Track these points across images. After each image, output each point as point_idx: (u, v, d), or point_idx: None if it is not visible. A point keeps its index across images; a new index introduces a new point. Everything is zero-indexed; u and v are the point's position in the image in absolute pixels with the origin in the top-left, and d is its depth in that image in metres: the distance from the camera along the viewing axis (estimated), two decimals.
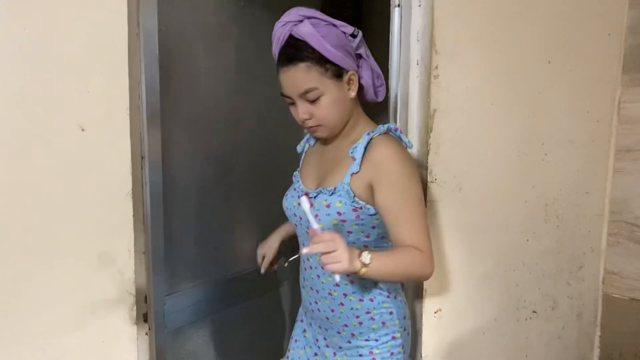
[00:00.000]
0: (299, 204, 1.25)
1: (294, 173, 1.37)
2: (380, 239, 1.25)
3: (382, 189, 1.17)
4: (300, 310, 1.45)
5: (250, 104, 1.64)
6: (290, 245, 1.58)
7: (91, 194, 1.18)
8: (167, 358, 1.48)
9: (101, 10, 1.15)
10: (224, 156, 1.59)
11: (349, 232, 1.22)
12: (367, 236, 1.24)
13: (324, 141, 1.35)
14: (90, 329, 1.22)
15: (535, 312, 1.76)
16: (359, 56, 1.23)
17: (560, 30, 1.68)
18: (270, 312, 1.83)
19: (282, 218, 1.60)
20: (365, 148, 1.21)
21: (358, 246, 1.24)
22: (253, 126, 1.65)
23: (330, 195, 1.22)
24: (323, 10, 1.22)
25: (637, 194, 1.79)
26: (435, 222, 1.52)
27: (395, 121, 1.56)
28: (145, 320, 1.34)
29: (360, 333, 1.28)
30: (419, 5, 1.50)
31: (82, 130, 1.16)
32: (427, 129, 1.51)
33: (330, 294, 1.29)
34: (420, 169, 1.48)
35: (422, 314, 1.57)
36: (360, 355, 1.28)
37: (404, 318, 1.32)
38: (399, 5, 1.55)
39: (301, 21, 1.17)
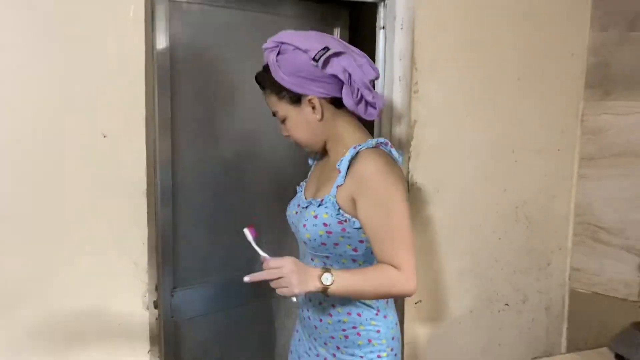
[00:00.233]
0: (296, 213, 1.29)
1: (300, 183, 1.39)
2: (370, 253, 1.22)
3: (363, 203, 1.15)
4: (297, 320, 1.43)
5: (265, 115, 1.70)
6: None
7: (111, 193, 1.33)
8: (175, 344, 1.60)
9: (123, 35, 1.31)
10: (237, 164, 1.65)
11: (336, 244, 1.20)
12: (355, 250, 1.21)
13: (323, 155, 1.35)
14: (109, 312, 1.37)
15: (507, 304, 1.91)
16: (336, 77, 1.16)
17: (529, 50, 1.82)
18: (278, 315, 1.84)
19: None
20: (351, 161, 1.18)
21: (330, 265, 1.21)
22: (268, 136, 1.69)
23: (318, 206, 1.21)
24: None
25: (599, 198, 1.91)
26: (416, 221, 1.66)
27: (380, 131, 1.73)
28: (156, 307, 1.49)
29: (346, 347, 1.25)
30: (401, 28, 1.67)
31: (104, 136, 1.32)
32: (408, 138, 1.67)
33: (320, 303, 1.27)
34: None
35: (404, 305, 1.72)
36: None
37: (392, 339, 1.27)
38: (383, 28, 1.72)
39: (275, 47, 1.18)
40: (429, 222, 1.74)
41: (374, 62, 1.66)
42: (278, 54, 1.17)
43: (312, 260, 1.27)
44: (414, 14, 1.63)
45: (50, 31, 1.25)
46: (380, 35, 1.72)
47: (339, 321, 1.25)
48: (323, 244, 1.20)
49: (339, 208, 1.18)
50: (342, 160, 1.19)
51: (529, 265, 1.94)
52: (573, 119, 1.95)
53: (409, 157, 1.67)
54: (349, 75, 1.16)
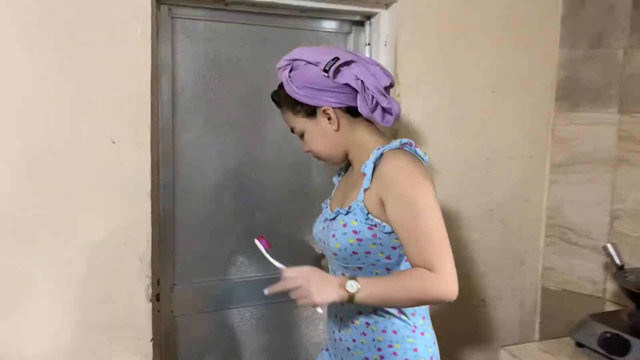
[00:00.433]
0: (323, 228, 1.26)
1: (325, 200, 1.37)
2: (404, 262, 1.16)
3: (390, 203, 1.09)
4: (327, 340, 1.39)
5: (274, 123, 1.75)
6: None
7: (119, 194, 1.46)
8: (174, 336, 1.72)
9: (131, 50, 1.44)
10: (237, 169, 1.73)
11: (367, 252, 1.14)
12: (388, 257, 1.15)
13: (347, 168, 1.35)
14: (117, 302, 1.49)
15: (483, 300, 2.04)
16: (349, 86, 1.16)
17: (503, 65, 1.94)
18: (278, 318, 1.88)
19: (295, 232, 1.85)
20: (376, 162, 1.14)
21: (356, 273, 1.16)
22: (275, 145, 1.78)
23: (346, 214, 1.16)
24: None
25: (568, 202, 2.03)
26: None
27: None
28: (158, 300, 1.62)
29: None
30: (385, 45, 1.81)
31: (113, 142, 1.45)
32: None
33: (353, 322, 1.21)
34: None
35: None
36: None
37: (431, 359, 1.19)
38: (369, 44, 1.87)
39: (287, 65, 1.20)
40: None
41: None
42: (290, 70, 1.19)
43: (344, 275, 1.16)
44: (396, 32, 1.76)
45: (67, 47, 1.39)
46: (366, 51, 1.86)
47: (374, 340, 1.18)
48: (354, 252, 1.15)
49: (368, 212, 1.13)
50: (366, 164, 1.15)
51: (504, 264, 2.06)
52: (544, 128, 2.06)
53: None
54: (362, 82, 1.15)
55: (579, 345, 1.53)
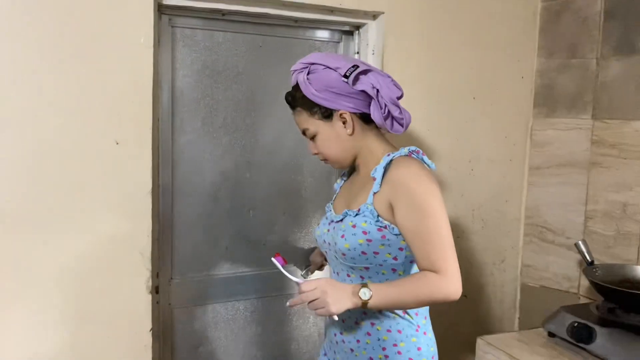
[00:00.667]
0: (328, 230, 1.30)
1: (327, 205, 1.41)
2: (409, 262, 1.21)
3: (400, 208, 1.14)
4: (324, 344, 1.42)
5: (268, 126, 1.85)
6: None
7: (122, 192, 1.55)
8: (171, 327, 1.80)
9: (134, 58, 1.54)
10: (234, 170, 1.83)
11: (375, 252, 1.19)
12: (395, 258, 1.20)
13: (351, 173, 1.39)
14: (117, 295, 1.58)
15: (465, 296, 2.15)
16: (365, 93, 1.21)
17: (485, 73, 2.06)
18: (273, 312, 1.95)
19: (287, 229, 1.93)
20: (386, 168, 1.19)
21: (363, 273, 1.22)
22: (269, 147, 1.87)
23: (355, 216, 1.20)
24: None
25: (545, 202, 2.14)
26: None
27: None
28: (157, 292, 1.71)
29: None
30: (373, 53, 1.92)
31: (117, 143, 1.54)
32: None
33: (357, 323, 1.25)
34: None
35: None
36: None
37: (433, 358, 1.25)
38: (357, 52, 1.98)
39: (305, 68, 1.23)
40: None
41: None
42: (308, 73, 1.22)
43: (349, 275, 1.25)
44: (383, 42, 1.87)
45: (76, 55, 1.48)
46: (355, 58, 1.96)
47: (378, 339, 1.22)
48: (363, 252, 1.19)
49: (378, 215, 1.17)
50: (376, 169, 1.20)
51: (485, 261, 2.17)
52: (523, 133, 2.17)
53: None
54: (377, 91, 1.20)
55: (551, 335, 1.64)
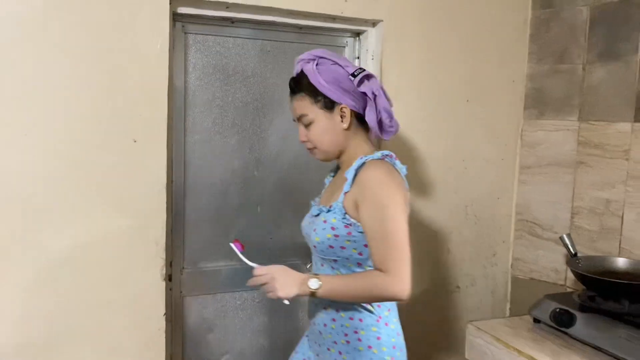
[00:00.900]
0: (309, 223, 1.39)
1: (314, 199, 1.51)
2: None
3: (363, 208, 1.21)
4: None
5: (275, 127, 1.95)
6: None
7: (140, 186, 1.67)
8: (182, 314, 1.92)
9: (152, 62, 1.66)
10: (242, 168, 1.93)
11: (342, 247, 1.27)
12: (360, 253, 1.27)
13: (336, 171, 1.48)
14: (134, 281, 1.70)
15: (458, 287, 2.27)
16: (364, 95, 1.28)
17: (478, 77, 2.16)
18: (276, 303, 1.93)
19: (292, 225, 1.95)
20: (358, 170, 1.26)
21: (332, 265, 1.31)
22: (276, 146, 1.97)
23: (327, 212, 1.30)
24: None
25: (535, 199, 2.24)
26: None
27: None
28: (170, 280, 1.83)
29: (347, 352, 1.29)
30: (372, 58, 2.04)
31: (135, 141, 1.67)
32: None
33: (325, 308, 1.34)
34: None
35: None
36: None
37: (393, 347, 1.30)
38: (358, 57, 2.10)
39: (312, 59, 1.30)
40: None
41: None
42: (317, 64, 1.28)
43: (322, 265, 1.35)
44: (382, 47, 1.99)
45: (100, 61, 1.60)
46: (355, 64, 2.09)
47: (342, 325, 1.31)
48: (330, 246, 1.28)
49: (345, 213, 1.26)
50: (349, 170, 1.29)
51: (477, 255, 2.27)
52: (514, 134, 2.28)
53: None
54: (375, 97, 1.28)
55: (536, 321, 1.76)
